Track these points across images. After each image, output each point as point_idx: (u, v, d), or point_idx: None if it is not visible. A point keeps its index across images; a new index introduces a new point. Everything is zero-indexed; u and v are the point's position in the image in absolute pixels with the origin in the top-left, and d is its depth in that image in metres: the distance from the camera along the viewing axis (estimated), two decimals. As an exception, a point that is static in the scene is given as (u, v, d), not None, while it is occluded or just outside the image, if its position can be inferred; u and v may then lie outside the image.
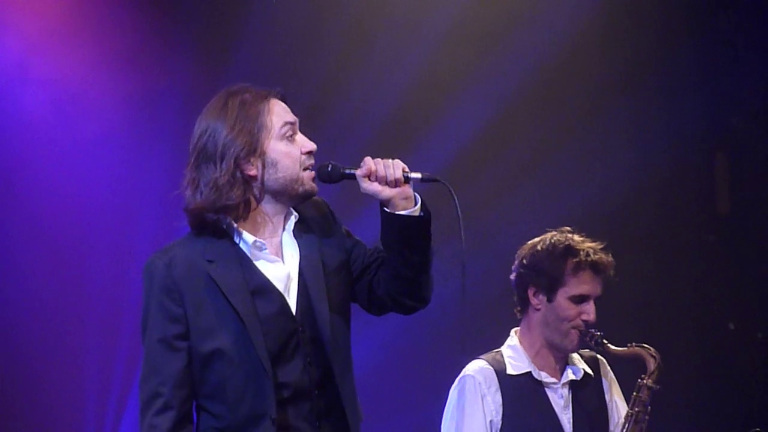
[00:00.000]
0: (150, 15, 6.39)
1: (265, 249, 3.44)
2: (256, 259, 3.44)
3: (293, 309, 3.43)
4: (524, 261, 4.47)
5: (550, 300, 4.42)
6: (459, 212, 3.47)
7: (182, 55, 6.39)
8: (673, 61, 6.85)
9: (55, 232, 6.21)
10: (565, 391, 4.46)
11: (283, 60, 6.44)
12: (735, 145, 6.84)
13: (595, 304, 4.42)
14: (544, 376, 4.45)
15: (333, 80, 6.42)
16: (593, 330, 4.40)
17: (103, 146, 6.27)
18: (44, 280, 6.18)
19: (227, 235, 3.45)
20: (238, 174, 3.41)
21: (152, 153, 6.30)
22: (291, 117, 3.48)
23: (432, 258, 3.48)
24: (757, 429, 4.69)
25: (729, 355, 6.71)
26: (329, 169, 3.46)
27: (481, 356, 4.51)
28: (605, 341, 4.42)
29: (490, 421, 4.40)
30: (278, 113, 3.46)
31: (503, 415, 4.40)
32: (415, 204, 3.42)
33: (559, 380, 4.47)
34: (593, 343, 4.41)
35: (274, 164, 3.44)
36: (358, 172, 3.42)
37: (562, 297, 4.41)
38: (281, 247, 3.48)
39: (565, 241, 4.42)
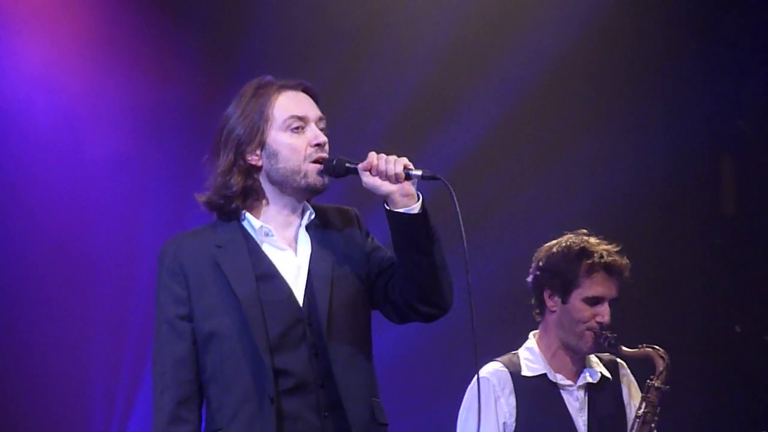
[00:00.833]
0: (156, 17, 6.39)
1: (272, 236, 3.49)
2: (264, 245, 3.48)
3: (300, 299, 3.45)
4: (540, 263, 4.49)
5: (564, 302, 4.43)
6: (458, 210, 3.43)
7: (189, 58, 6.39)
8: (678, 64, 6.85)
9: (62, 233, 6.21)
10: (581, 393, 4.46)
11: (289, 62, 6.42)
12: (741, 148, 6.83)
13: (610, 306, 4.42)
14: (559, 378, 4.45)
15: (339, 82, 6.40)
16: (607, 332, 4.40)
17: (109, 150, 6.27)
18: (51, 280, 6.17)
19: (237, 221, 3.51)
20: (241, 162, 3.47)
21: (158, 155, 6.32)
22: (301, 111, 3.50)
23: (440, 260, 3.45)
24: (764, 431, 4.65)
25: (735, 358, 6.70)
26: (334, 162, 3.46)
27: (498, 358, 4.51)
28: (619, 343, 4.42)
29: (504, 423, 4.41)
30: (284, 105, 3.50)
31: (517, 416, 4.41)
32: (417, 202, 3.40)
33: (575, 383, 4.46)
34: (607, 344, 4.42)
35: (275, 155, 3.48)
36: (360, 166, 3.43)
37: (576, 299, 4.42)
38: (295, 241, 3.51)
39: (580, 243, 4.43)
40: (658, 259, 6.72)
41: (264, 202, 3.52)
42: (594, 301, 4.41)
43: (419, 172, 3.39)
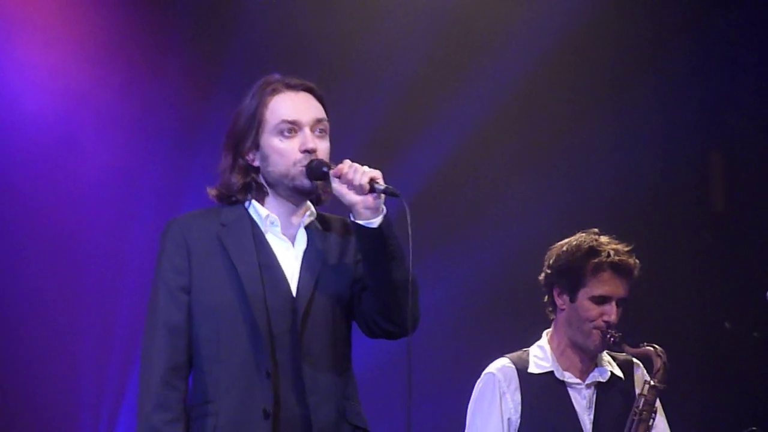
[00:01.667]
0: (144, 9, 6.38)
1: (277, 226, 3.54)
2: (268, 234, 3.54)
3: (294, 291, 3.50)
4: (550, 261, 4.50)
5: (572, 300, 4.44)
6: (410, 231, 3.41)
7: (179, 54, 6.41)
8: (668, 59, 6.85)
9: (50, 231, 6.23)
10: (590, 392, 4.46)
11: (276, 56, 6.40)
12: (730, 143, 6.85)
13: (619, 305, 4.42)
14: (567, 377, 4.46)
15: (327, 79, 6.36)
16: (613, 330, 4.40)
17: (98, 146, 6.26)
18: (39, 280, 6.17)
19: (243, 207, 3.57)
20: (240, 160, 3.53)
21: (147, 151, 6.31)
22: (293, 115, 3.52)
23: (400, 279, 3.44)
24: (754, 428, 4.66)
25: (725, 354, 6.72)
26: (313, 165, 3.48)
27: (507, 354, 4.53)
28: (623, 342, 4.42)
29: (508, 419, 4.42)
30: (277, 108, 3.52)
31: (522, 413, 4.41)
32: (378, 216, 3.41)
33: (584, 381, 4.46)
34: (612, 342, 4.42)
35: (266, 158, 3.53)
36: (332, 171, 3.45)
37: (583, 297, 4.42)
38: (294, 236, 3.56)
39: (589, 242, 4.44)
40: (648, 255, 6.65)
41: (267, 196, 3.57)
42: (601, 300, 4.41)
43: (382, 187, 3.38)
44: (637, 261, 4.46)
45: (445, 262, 6.60)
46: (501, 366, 4.47)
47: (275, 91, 3.54)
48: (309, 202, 3.59)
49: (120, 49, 6.26)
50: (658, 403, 4.52)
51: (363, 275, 3.51)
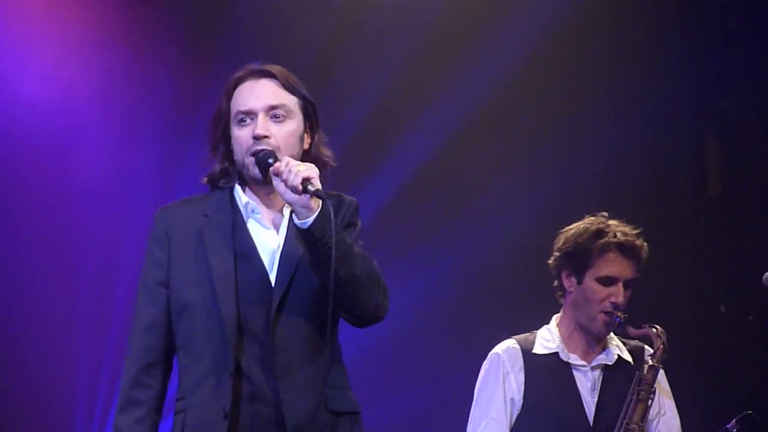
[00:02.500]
0: (138, 3, 6.37)
1: (258, 213, 3.54)
2: (249, 221, 3.54)
3: (273, 281, 3.48)
4: (559, 245, 4.51)
5: (579, 282, 4.45)
6: (333, 234, 3.36)
7: (172, 42, 6.42)
8: (663, 44, 6.86)
9: (45, 224, 6.22)
10: (595, 374, 4.47)
11: (269, 49, 6.39)
12: (725, 128, 6.85)
13: (626, 287, 4.43)
14: (573, 359, 4.46)
15: (317, 68, 6.36)
16: (619, 312, 4.41)
17: (92, 140, 6.26)
18: (33, 274, 6.17)
19: (230, 194, 3.59)
20: (222, 147, 3.58)
21: (142, 145, 6.31)
22: (246, 104, 3.53)
23: (347, 275, 3.39)
24: (749, 411, 4.67)
25: (720, 338, 6.73)
26: (260, 155, 3.48)
27: (515, 336, 4.55)
28: (627, 324, 4.43)
29: (511, 399, 4.44)
30: (236, 99, 3.57)
31: (525, 393, 4.43)
32: (311, 216, 3.37)
33: (590, 363, 4.47)
34: (617, 324, 4.42)
35: (232, 147, 3.56)
36: (272, 169, 3.43)
37: (590, 279, 4.43)
38: (279, 224, 3.55)
39: (597, 224, 4.46)
40: (644, 239, 6.71)
41: (250, 184, 3.58)
42: (607, 281, 4.41)
43: (313, 189, 3.35)
44: (645, 243, 4.47)
45: (433, 253, 6.61)
46: (506, 347, 4.50)
47: (239, 81, 3.58)
48: None
49: (111, 36, 6.26)
50: (667, 387, 4.52)
51: None
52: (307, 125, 3.58)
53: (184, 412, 3.46)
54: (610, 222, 4.48)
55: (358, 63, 6.59)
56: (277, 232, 3.54)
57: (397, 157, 6.59)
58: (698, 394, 6.66)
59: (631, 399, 4.43)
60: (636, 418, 4.41)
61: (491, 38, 6.70)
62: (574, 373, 4.45)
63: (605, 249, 4.40)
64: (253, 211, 3.54)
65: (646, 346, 4.57)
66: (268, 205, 3.56)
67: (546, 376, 4.44)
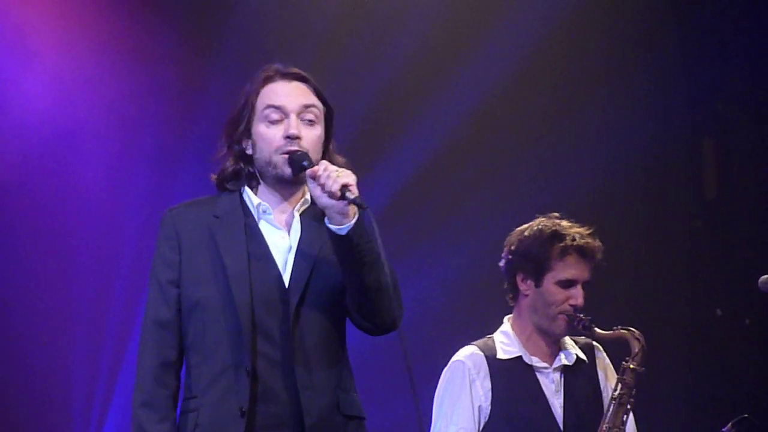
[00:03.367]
0: (137, 4, 6.39)
1: (270, 214, 3.54)
2: (261, 223, 3.54)
3: (287, 282, 3.48)
4: (512, 247, 4.47)
5: (537, 285, 4.42)
6: (379, 241, 3.37)
7: (170, 43, 6.39)
8: (659, 47, 6.83)
9: (42, 224, 6.20)
10: (557, 375, 4.45)
11: (269, 49, 6.42)
12: (722, 131, 6.82)
13: (583, 288, 4.41)
14: (535, 361, 4.44)
15: (315, 70, 6.38)
16: (581, 314, 4.39)
17: (90, 140, 6.27)
18: (30, 279, 6.18)
19: (239, 195, 3.57)
20: (235, 147, 3.56)
21: (139, 151, 6.31)
22: (278, 101, 3.53)
23: (373, 283, 3.41)
24: (746, 415, 4.65)
25: (717, 342, 6.70)
26: (295, 156, 3.47)
27: (473, 342, 4.50)
28: (593, 325, 4.40)
29: (479, 407, 4.40)
30: (266, 95, 3.54)
31: (492, 400, 4.39)
32: (349, 222, 3.38)
33: (551, 365, 4.45)
34: (581, 327, 4.41)
35: (254, 145, 3.55)
36: (308, 171, 3.43)
37: (549, 282, 4.41)
38: (291, 224, 3.54)
39: (552, 227, 4.42)
40: (640, 242, 6.72)
41: (259, 185, 3.58)
42: (567, 284, 4.40)
43: (352, 196, 3.35)
44: (600, 243, 4.43)
45: (432, 253, 6.61)
46: (470, 353, 4.45)
47: (268, 79, 3.57)
48: (306, 189, 3.56)
49: (109, 36, 6.26)
50: (613, 373, 4.51)
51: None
52: (326, 133, 3.61)
53: (195, 411, 3.45)
54: (564, 223, 4.44)
55: (357, 64, 6.59)
56: (289, 232, 3.54)
57: (395, 158, 6.60)
58: (694, 398, 6.65)
59: (611, 404, 4.41)
60: (617, 422, 4.41)
61: (489, 39, 6.69)
62: (538, 376, 4.43)
63: (565, 252, 4.38)
64: (264, 212, 3.54)
65: (594, 343, 4.54)
66: (280, 206, 3.57)
67: (512, 382, 4.40)
